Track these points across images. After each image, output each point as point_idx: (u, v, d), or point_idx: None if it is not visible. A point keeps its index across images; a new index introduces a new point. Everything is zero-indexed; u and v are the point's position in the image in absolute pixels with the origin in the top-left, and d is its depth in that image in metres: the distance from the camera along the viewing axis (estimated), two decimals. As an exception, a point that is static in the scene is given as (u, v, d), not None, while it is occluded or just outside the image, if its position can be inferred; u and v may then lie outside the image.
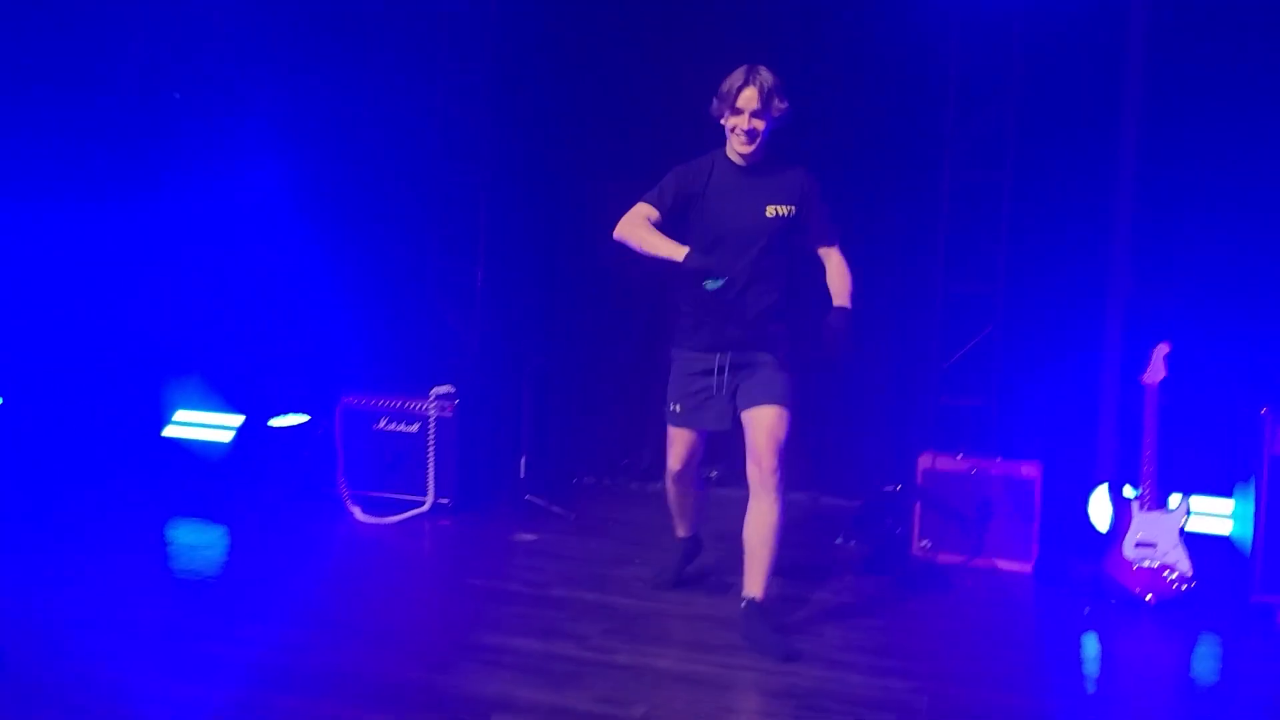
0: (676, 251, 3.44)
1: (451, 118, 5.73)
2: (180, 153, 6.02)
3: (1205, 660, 3.82)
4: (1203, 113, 4.82)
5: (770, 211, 3.61)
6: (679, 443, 3.87)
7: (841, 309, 3.67)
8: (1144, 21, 4.84)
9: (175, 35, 5.97)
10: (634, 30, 5.75)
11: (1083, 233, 5.05)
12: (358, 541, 4.90)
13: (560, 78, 5.85)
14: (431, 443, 5.31)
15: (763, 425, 3.62)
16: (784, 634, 3.64)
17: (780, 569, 3.73)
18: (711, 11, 5.63)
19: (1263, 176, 4.79)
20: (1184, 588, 4.09)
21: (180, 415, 6.08)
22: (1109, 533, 4.25)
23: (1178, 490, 4.22)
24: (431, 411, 5.33)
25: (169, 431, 6.06)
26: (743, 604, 3.65)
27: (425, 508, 5.29)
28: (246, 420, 5.92)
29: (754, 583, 3.63)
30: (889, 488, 5.07)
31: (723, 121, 3.59)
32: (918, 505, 4.79)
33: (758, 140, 3.54)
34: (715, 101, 3.57)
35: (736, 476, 5.26)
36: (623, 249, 3.60)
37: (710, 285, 3.38)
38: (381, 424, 5.42)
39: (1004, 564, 4.66)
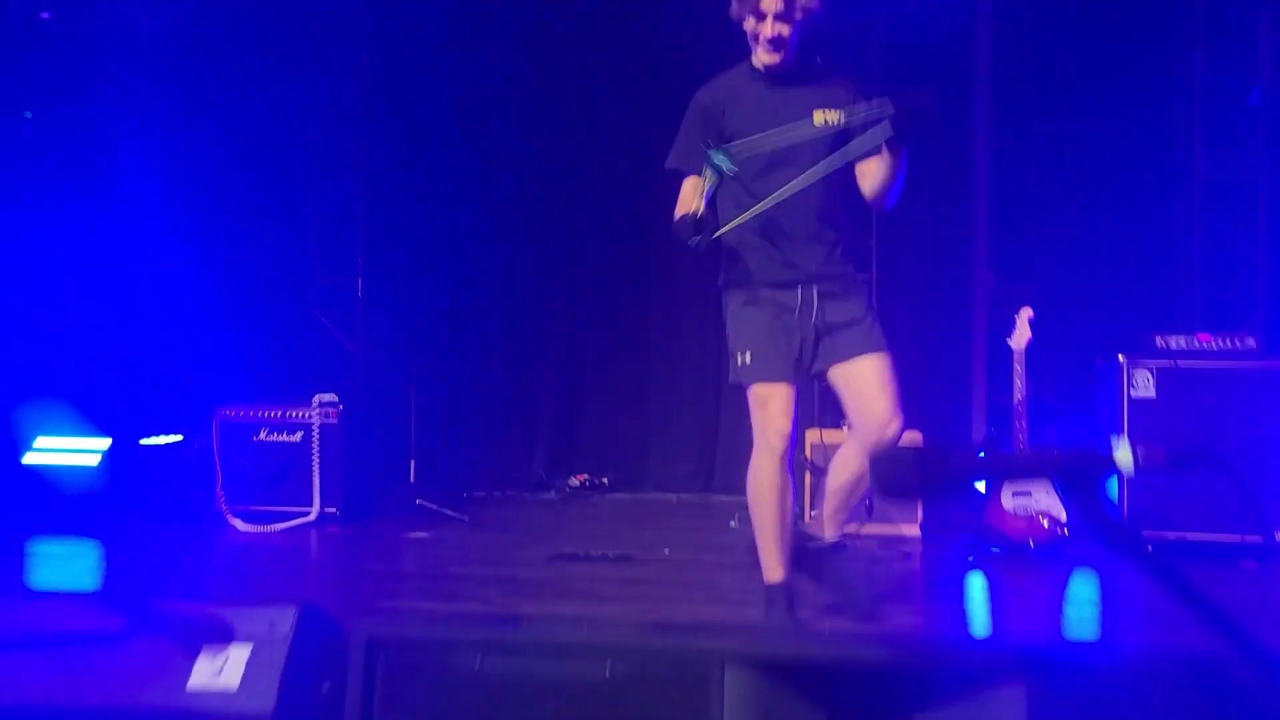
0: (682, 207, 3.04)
1: (328, 125, 5.72)
2: (39, 160, 5.76)
3: (1083, 588, 4.02)
4: (1047, 100, 5.25)
5: (819, 119, 3.02)
6: (775, 402, 2.98)
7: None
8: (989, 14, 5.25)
9: (31, 45, 5.77)
10: (514, 35, 5.84)
11: (946, 214, 5.36)
12: (241, 550, 4.71)
13: (439, 86, 5.89)
14: (316, 451, 5.16)
15: (873, 379, 3.02)
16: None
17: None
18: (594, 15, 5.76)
19: (1102, 160, 5.23)
20: (1061, 531, 4.30)
21: (41, 442, 5.75)
22: (988, 487, 4.44)
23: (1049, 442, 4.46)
24: (315, 419, 5.19)
25: (29, 459, 5.72)
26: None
27: (312, 517, 5.14)
28: (114, 442, 5.65)
29: (833, 526, 3.25)
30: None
31: (745, 27, 3.03)
32: (807, 477, 4.91)
33: (785, 48, 2.98)
34: (734, 2, 3.01)
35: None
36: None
37: (693, 241, 2.90)
38: (262, 435, 5.25)
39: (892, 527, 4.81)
